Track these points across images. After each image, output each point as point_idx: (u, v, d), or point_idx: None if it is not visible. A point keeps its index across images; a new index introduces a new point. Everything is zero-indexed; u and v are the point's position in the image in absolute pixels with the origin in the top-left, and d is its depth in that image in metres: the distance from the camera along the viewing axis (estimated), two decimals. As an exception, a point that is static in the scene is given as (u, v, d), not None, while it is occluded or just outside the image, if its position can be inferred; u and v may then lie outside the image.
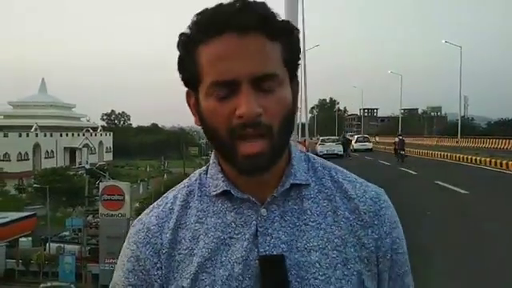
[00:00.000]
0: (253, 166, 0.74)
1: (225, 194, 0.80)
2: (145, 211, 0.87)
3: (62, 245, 28.58)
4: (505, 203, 11.90)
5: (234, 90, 0.73)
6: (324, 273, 0.76)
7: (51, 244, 28.30)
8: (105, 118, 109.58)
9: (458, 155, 24.98)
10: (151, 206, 0.87)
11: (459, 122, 46.45)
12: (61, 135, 63.58)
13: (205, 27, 0.73)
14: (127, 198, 24.53)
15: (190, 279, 0.77)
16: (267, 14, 0.74)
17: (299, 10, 7.72)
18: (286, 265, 0.75)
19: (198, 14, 0.75)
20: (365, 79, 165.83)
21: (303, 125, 31.90)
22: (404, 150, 25.77)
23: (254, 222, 0.78)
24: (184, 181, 0.87)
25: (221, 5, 0.74)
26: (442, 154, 27.64)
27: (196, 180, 0.85)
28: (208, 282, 0.76)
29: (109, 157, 76.16)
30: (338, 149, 33.30)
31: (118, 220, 23.69)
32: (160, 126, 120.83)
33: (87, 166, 59.82)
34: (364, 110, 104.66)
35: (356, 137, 46.75)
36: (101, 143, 74.43)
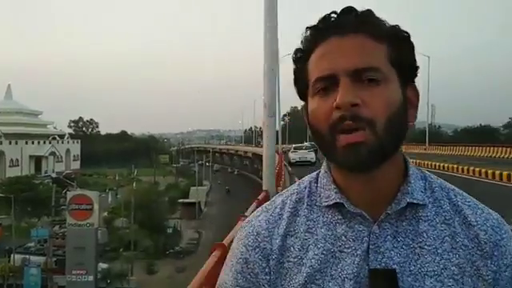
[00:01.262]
0: (353, 156, 0.72)
1: (336, 206, 0.78)
2: (253, 213, 0.86)
3: (27, 256, 27.71)
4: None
5: (334, 85, 0.74)
6: None
7: (16, 255, 27.44)
8: (72, 125, 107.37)
9: (426, 162, 25.55)
10: (259, 208, 0.86)
11: (427, 129, 47.64)
12: (26, 143, 61.86)
13: (312, 37, 0.78)
14: (96, 207, 24.04)
15: None
16: (368, 17, 0.76)
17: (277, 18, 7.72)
18: (398, 282, 0.73)
19: (307, 28, 0.79)
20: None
21: (276, 132, 31.97)
22: None
23: (366, 238, 0.76)
24: (292, 187, 0.86)
25: (325, 15, 0.78)
26: (411, 161, 28.13)
27: (305, 188, 0.84)
28: None
29: (76, 165, 74.51)
30: (311, 156, 33.49)
31: (86, 230, 23.19)
32: (129, 133, 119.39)
33: (54, 175, 58.37)
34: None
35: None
36: (68, 151, 72.78)
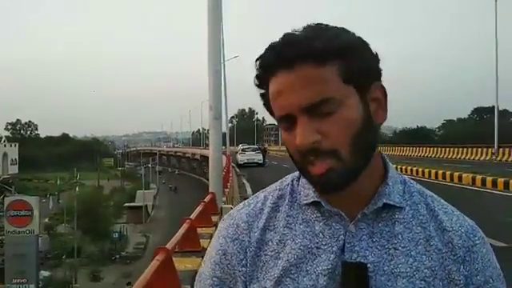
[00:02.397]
0: (325, 182, 0.75)
1: (315, 204, 0.81)
2: (235, 207, 0.89)
3: (-39, 266, 26.04)
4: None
5: (293, 122, 0.75)
6: None
7: None
8: (9, 127, 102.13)
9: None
10: (242, 203, 0.89)
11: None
12: (-42, 147, 58.01)
13: (263, 71, 0.77)
14: (36, 213, 23.05)
15: (274, 282, 0.79)
16: (312, 42, 0.73)
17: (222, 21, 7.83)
18: (371, 281, 0.75)
19: (256, 59, 0.78)
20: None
21: (224, 134, 31.89)
22: None
23: (342, 236, 0.78)
24: (275, 184, 0.89)
25: (270, 45, 0.77)
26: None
27: (288, 185, 0.86)
28: None
29: (14, 169, 70.77)
30: (258, 158, 33.78)
31: (26, 237, 22.20)
32: (71, 135, 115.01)
33: (-11, 180, 55.14)
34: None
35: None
36: (5, 155, 69.00)
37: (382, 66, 0.79)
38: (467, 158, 29.42)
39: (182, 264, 4.04)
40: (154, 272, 2.79)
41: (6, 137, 78.66)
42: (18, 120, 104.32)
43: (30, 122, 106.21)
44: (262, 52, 0.78)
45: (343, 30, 0.77)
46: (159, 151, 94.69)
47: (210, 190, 7.53)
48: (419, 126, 62.81)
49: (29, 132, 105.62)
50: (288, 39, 0.75)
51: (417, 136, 52.09)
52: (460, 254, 0.79)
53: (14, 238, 22.29)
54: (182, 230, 4.21)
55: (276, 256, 0.80)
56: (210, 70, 7.45)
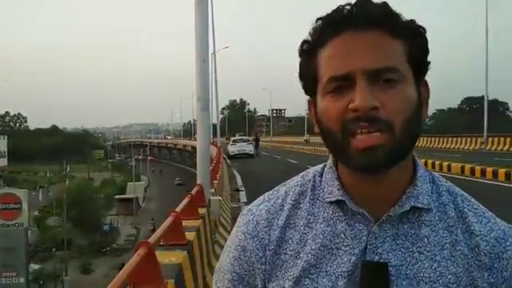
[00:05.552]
0: (369, 159, 0.70)
1: (337, 203, 0.77)
2: (255, 202, 0.86)
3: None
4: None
5: (349, 86, 0.71)
6: None
7: None
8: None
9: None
10: (261, 197, 0.86)
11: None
12: None
13: (323, 30, 0.73)
14: (25, 206, 22.88)
15: (293, 281, 0.77)
16: (386, 12, 0.72)
17: (209, 11, 7.72)
18: (393, 285, 0.72)
19: (318, 19, 0.75)
20: (273, 81, 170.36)
21: (214, 125, 31.85)
22: None
23: (365, 237, 0.75)
24: (296, 178, 0.85)
25: (339, 6, 0.73)
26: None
27: (309, 181, 0.82)
28: None
29: (3, 162, 70.04)
30: (249, 149, 33.75)
31: (15, 230, 22.08)
32: (61, 127, 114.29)
33: (-23, 173, 54.67)
34: (272, 110, 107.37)
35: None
36: (-7, 147, 68.37)
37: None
38: (457, 147, 29.66)
39: (166, 257, 3.97)
40: (134, 267, 2.73)
41: (-6, 129, 77.83)
42: (6, 112, 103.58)
43: (19, 114, 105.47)
44: (332, 9, 0.74)
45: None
46: (150, 143, 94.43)
47: (198, 182, 7.44)
48: (410, 115, 63.00)
49: (18, 124, 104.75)
50: (360, 1, 0.73)
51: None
52: (486, 260, 0.74)
53: (2, 232, 22.12)
54: (166, 223, 4.14)
55: (296, 256, 0.78)
56: (197, 60, 7.36)
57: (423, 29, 0.75)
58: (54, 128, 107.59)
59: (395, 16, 0.73)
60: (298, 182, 0.83)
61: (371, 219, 0.75)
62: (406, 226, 0.75)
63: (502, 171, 13.70)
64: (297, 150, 38.57)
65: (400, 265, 0.73)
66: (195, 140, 10.03)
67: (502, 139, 22.39)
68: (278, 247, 0.79)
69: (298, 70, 0.78)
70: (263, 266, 0.79)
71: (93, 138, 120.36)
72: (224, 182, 14.25)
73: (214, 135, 34.14)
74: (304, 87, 0.79)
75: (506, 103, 64.35)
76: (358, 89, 0.70)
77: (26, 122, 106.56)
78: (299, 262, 0.77)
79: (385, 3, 0.73)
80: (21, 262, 22.46)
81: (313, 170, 0.84)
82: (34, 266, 27.65)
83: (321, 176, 0.81)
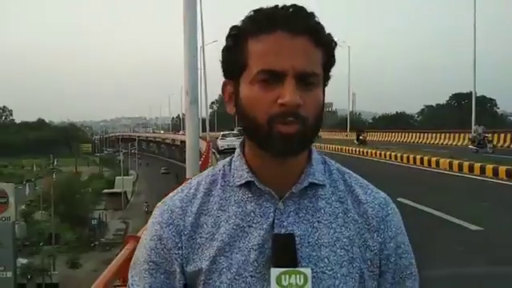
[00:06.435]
0: (288, 146, 0.81)
1: (247, 185, 0.86)
2: (169, 195, 0.92)
3: None
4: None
5: (277, 81, 0.80)
6: (331, 268, 0.84)
7: None
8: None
9: (344, 147, 26.83)
10: (175, 190, 0.92)
11: (348, 117, 49.76)
12: None
13: (259, 23, 0.82)
14: (11, 200, 22.66)
15: (209, 261, 0.84)
16: (316, 24, 0.83)
17: (198, 4, 7.65)
18: (298, 252, 0.82)
19: (254, 11, 0.83)
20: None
21: (204, 120, 31.72)
22: None
23: (272, 214, 0.85)
24: (208, 170, 0.93)
25: (276, 7, 0.83)
26: (333, 146, 29.39)
27: (220, 170, 0.91)
28: (225, 265, 0.83)
29: (-12, 156, 69.37)
30: (239, 143, 33.69)
31: (2, 224, 21.87)
32: (47, 121, 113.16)
33: (-37, 167, 53.93)
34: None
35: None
36: (-21, 141, 67.47)
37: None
38: (445, 143, 29.87)
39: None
40: (123, 261, 2.71)
41: (-21, 122, 76.74)
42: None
43: (4, 107, 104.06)
44: (264, 8, 0.83)
45: None
46: (138, 137, 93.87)
47: (188, 177, 7.43)
48: (399, 111, 63.66)
49: (3, 117, 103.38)
50: (296, 8, 0.82)
51: (396, 121, 52.79)
52: (374, 223, 0.88)
53: (-12, 226, 21.84)
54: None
55: (211, 238, 0.85)
56: (185, 53, 7.29)
57: (335, 43, 0.87)
58: (41, 121, 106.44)
59: (320, 27, 0.83)
60: (209, 173, 0.92)
61: (276, 197, 0.85)
62: (305, 201, 0.87)
63: (489, 167, 13.84)
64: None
65: (303, 234, 0.84)
66: (184, 134, 9.96)
67: (490, 135, 22.62)
68: (193, 232, 0.86)
69: (221, 52, 0.86)
70: (180, 251, 0.86)
71: (80, 131, 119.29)
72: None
73: (204, 130, 34.01)
74: (226, 70, 0.87)
75: (494, 99, 64.88)
76: (287, 86, 0.80)
77: (11, 115, 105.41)
78: (214, 243, 0.85)
79: (313, 13, 0.83)
80: (8, 256, 22.24)
81: (222, 162, 0.93)
82: (21, 261, 27.43)
83: (230, 165, 0.91)
